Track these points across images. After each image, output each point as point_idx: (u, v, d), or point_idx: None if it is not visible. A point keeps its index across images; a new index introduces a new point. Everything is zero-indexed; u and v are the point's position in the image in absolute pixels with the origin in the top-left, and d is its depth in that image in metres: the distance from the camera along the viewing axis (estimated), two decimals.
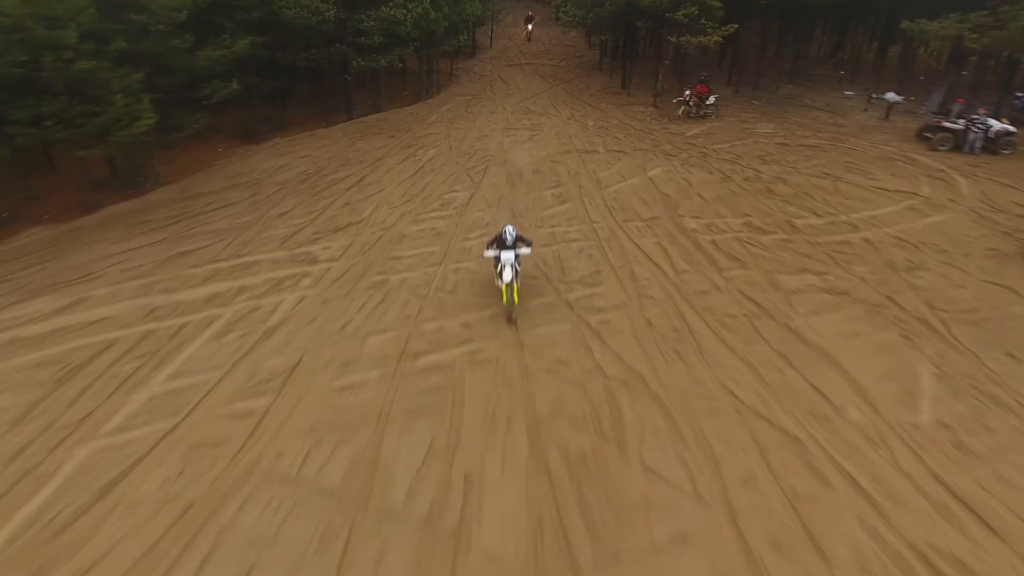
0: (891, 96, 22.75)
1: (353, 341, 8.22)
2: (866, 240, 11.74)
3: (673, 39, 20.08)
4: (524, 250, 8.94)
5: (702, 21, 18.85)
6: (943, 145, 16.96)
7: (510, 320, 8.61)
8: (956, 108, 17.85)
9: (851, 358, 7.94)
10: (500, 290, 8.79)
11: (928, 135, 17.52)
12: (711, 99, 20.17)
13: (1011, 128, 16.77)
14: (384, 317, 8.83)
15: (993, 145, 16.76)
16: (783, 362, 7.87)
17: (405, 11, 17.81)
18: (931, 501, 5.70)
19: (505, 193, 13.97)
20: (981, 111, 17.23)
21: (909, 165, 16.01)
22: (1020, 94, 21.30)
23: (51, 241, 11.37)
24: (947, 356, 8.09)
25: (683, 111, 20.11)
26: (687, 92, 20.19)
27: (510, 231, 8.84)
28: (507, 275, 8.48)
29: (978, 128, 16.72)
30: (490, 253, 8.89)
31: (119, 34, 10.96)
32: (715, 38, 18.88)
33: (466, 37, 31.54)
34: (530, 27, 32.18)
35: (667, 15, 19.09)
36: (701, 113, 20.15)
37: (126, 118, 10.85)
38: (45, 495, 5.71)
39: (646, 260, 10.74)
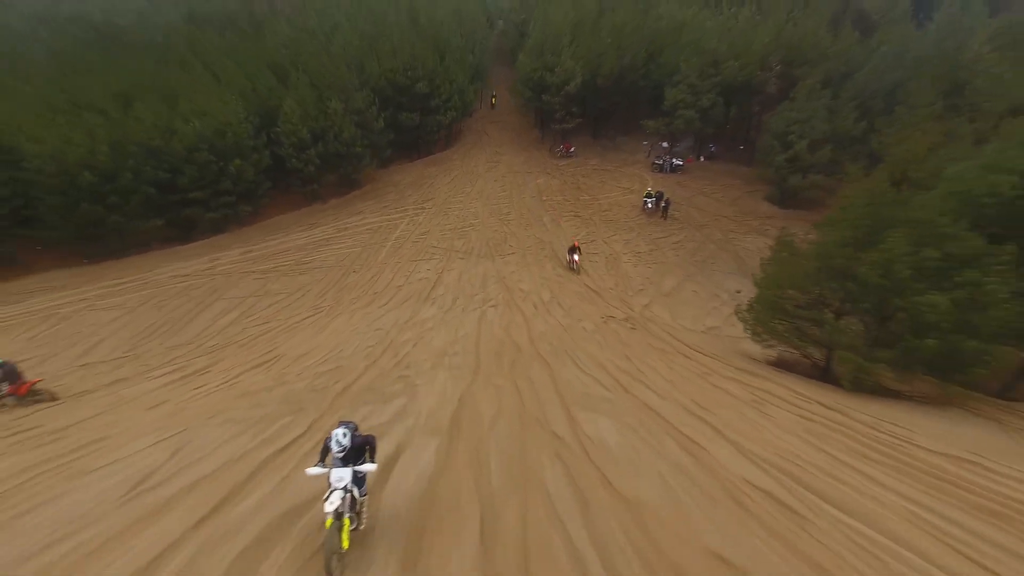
0: (664, 144, 38.34)
1: (444, 226, 24.39)
2: (599, 203, 27.78)
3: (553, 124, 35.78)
4: (368, 467, 4.40)
5: (566, 117, 34.42)
6: (655, 169, 32.88)
7: (329, 573, 3.96)
8: (662, 151, 33.83)
9: (564, 231, 24.08)
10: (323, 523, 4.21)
11: (652, 164, 33.39)
12: (572, 148, 35.84)
13: (680, 162, 32.72)
14: (450, 218, 25.00)
15: (675, 169, 32.67)
16: (547, 230, 23.99)
17: (447, 117, 33.48)
18: (560, 231, 21.95)
19: (484, 189, 29.87)
20: (667, 156, 33.18)
21: (637, 177, 32.02)
22: (712, 144, 37.21)
23: (339, 204, 27.43)
24: (591, 228, 24.36)
25: (560, 154, 35.79)
26: (562, 145, 35.90)
27: (340, 436, 4.25)
28: (334, 501, 4.09)
29: (669, 162, 32.65)
30: (314, 471, 4.36)
31: (364, 137, 26.85)
32: (572, 124, 34.52)
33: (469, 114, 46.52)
34: (576, 257, 20.91)
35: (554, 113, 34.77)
36: (567, 154, 35.76)
37: (367, 162, 26.82)
38: (393, 237, 21.98)
39: (525, 208, 26.76)
